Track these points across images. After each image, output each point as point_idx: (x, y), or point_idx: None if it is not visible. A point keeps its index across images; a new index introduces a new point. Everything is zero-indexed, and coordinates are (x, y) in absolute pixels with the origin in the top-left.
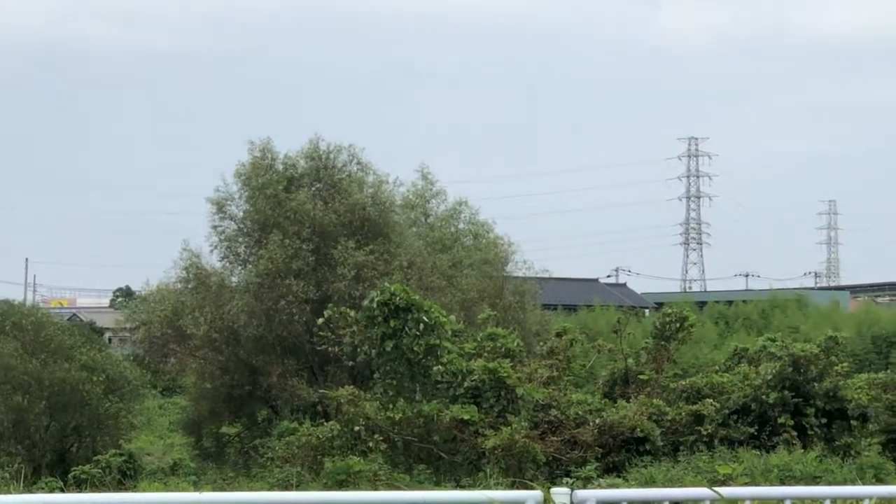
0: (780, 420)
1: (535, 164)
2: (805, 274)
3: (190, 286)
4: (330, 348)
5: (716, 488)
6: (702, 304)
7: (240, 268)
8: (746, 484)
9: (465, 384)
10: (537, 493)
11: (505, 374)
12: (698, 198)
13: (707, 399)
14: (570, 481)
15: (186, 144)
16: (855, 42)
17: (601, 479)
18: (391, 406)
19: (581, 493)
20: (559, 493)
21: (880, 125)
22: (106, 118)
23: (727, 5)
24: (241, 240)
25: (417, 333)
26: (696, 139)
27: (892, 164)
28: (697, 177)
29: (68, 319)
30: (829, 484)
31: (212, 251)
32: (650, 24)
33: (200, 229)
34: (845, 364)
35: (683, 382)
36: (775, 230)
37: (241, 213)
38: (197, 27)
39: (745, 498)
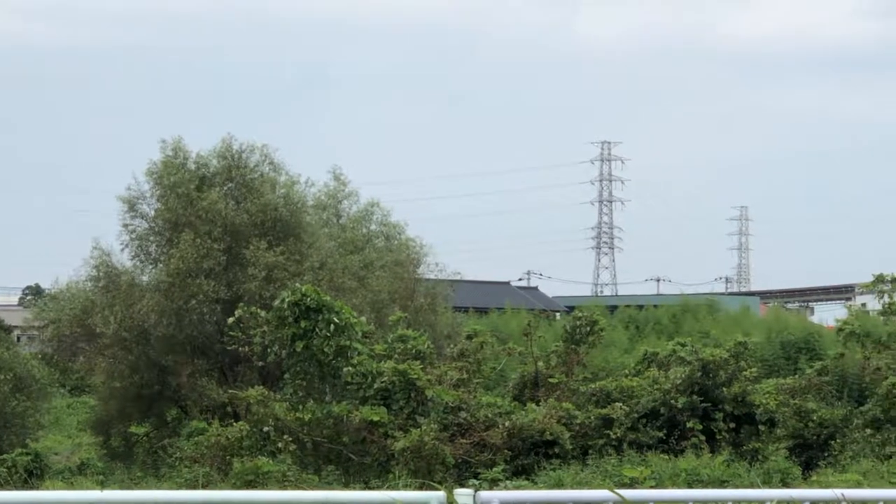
0: (689, 424)
1: (448, 167)
2: (716, 279)
3: (100, 285)
4: (240, 348)
5: (619, 491)
6: (613, 309)
7: (151, 267)
8: (653, 488)
9: (375, 385)
10: (440, 494)
11: (415, 376)
12: (610, 202)
13: (617, 403)
14: (478, 483)
15: (100, 142)
16: (767, 49)
17: (509, 482)
18: (301, 407)
19: (484, 495)
20: (462, 493)
21: (792, 131)
22: (16, 114)
23: (641, 12)
24: (152, 239)
25: (328, 334)
26: (609, 143)
27: (803, 171)
28: (610, 181)
29: None
30: (737, 488)
31: (122, 250)
32: (565, 28)
33: (112, 228)
34: (754, 369)
35: (593, 386)
36: (687, 235)
37: (153, 212)
38: (106, 23)
39: (646, 500)
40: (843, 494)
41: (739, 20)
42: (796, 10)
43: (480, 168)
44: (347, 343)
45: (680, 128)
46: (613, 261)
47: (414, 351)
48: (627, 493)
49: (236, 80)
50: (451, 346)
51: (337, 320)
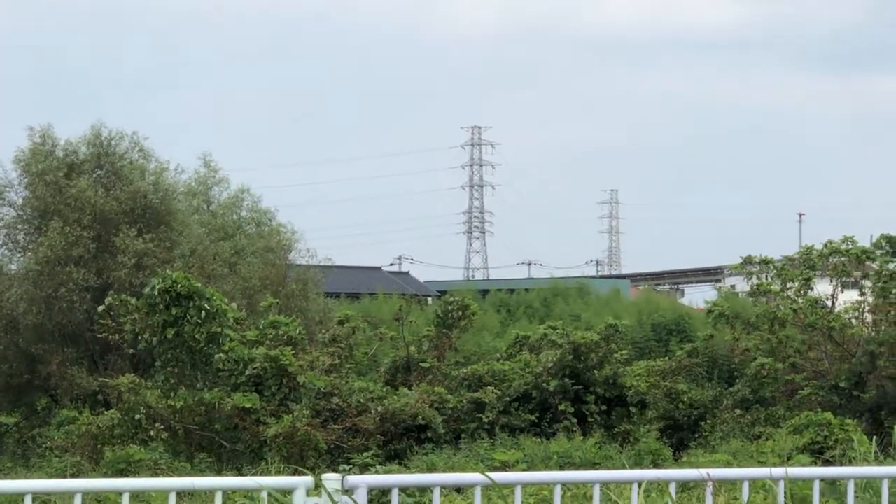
0: (561, 407)
1: (318, 153)
2: (587, 262)
3: None
4: (111, 336)
5: (488, 473)
6: (484, 293)
7: (19, 255)
8: (524, 470)
9: (247, 372)
10: (308, 480)
11: (287, 362)
12: (481, 186)
13: (488, 387)
14: (348, 468)
15: None
16: (639, 33)
17: (380, 466)
18: (172, 394)
19: (352, 479)
20: (330, 479)
21: (662, 115)
22: None
23: None
24: (20, 227)
25: (199, 321)
26: (479, 128)
27: (673, 155)
28: (480, 165)
29: None
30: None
31: None
32: (435, 13)
33: None
34: (625, 352)
35: (465, 370)
36: (558, 219)
37: (21, 200)
38: None
39: (515, 483)
40: (708, 474)
41: (609, 4)
42: None
43: (349, 154)
44: (219, 330)
45: (550, 112)
46: (485, 245)
47: (285, 337)
48: (497, 476)
49: (103, 68)
50: (323, 331)
51: (208, 307)
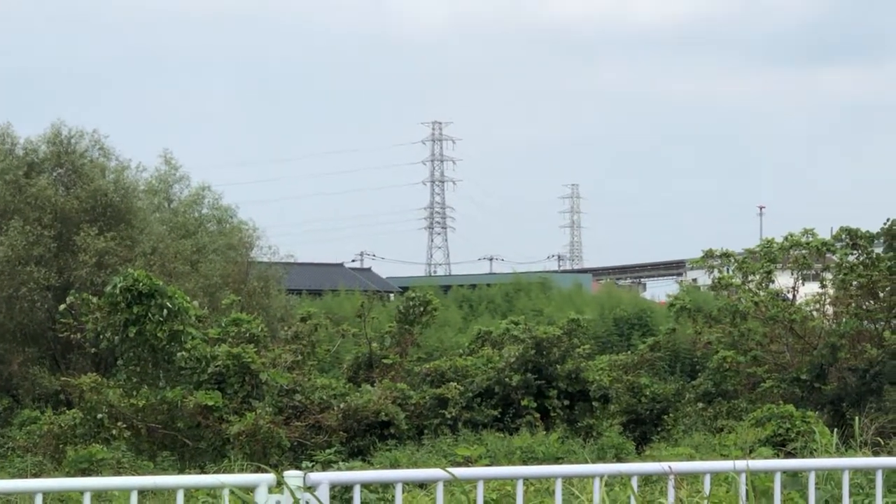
0: (524, 403)
1: (282, 150)
2: (549, 257)
3: None
4: (72, 335)
5: (450, 469)
6: (446, 288)
7: None
8: (487, 465)
9: (210, 370)
10: (269, 477)
11: (249, 360)
12: (442, 182)
13: (451, 383)
14: (311, 465)
15: None
16: (595, 29)
17: (343, 463)
18: (135, 393)
19: (314, 476)
20: (292, 475)
21: (621, 110)
22: None
23: None
24: None
25: (161, 319)
26: (440, 123)
27: (633, 149)
28: (441, 161)
29: None
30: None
31: None
32: (390, 11)
33: None
34: (587, 346)
35: (427, 366)
36: (519, 214)
37: None
38: None
39: (477, 479)
40: (670, 467)
41: (566, 1)
42: None
43: (310, 150)
44: (181, 328)
45: (510, 108)
46: (446, 241)
47: (248, 334)
48: (459, 472)
49: (64, 66)
50: (285, 328)
51: (170, 305)
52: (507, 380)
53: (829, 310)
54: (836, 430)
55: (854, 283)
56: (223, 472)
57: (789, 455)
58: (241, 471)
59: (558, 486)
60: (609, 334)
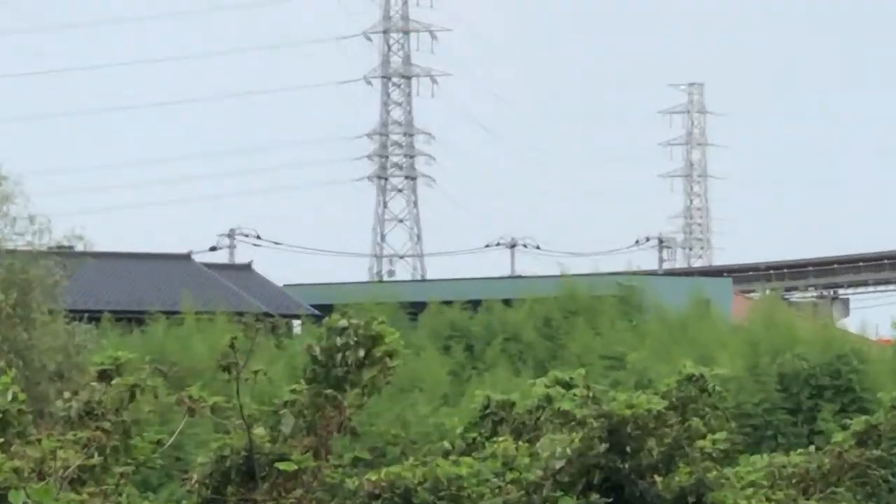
0: None
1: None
2: (637, 244)
3: None
4: None
5: None
6: (418, 308)
7: None
8: None
9: None
10: None
11: None
12: (407, 79)
13: None
14: None
15: None
16: None
17: None
18: None
19: None
20: None
21: None
22: None
23: None
24: None
25: None
26: None
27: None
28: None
29: None
30: None
31: None
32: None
33: None
34: (723, 434)
35: (374, 476)
36: (573, 156)
37: None
38: None
39: None
40: None
41: None
42: None
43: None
44: None
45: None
46: (415, 208)
47: None
48: None
49: None
50: (67, 396)
51: None
52: None
53: None
54: None
55: None
56: None
57: None
58: None
59: None
60: (772, 407)
